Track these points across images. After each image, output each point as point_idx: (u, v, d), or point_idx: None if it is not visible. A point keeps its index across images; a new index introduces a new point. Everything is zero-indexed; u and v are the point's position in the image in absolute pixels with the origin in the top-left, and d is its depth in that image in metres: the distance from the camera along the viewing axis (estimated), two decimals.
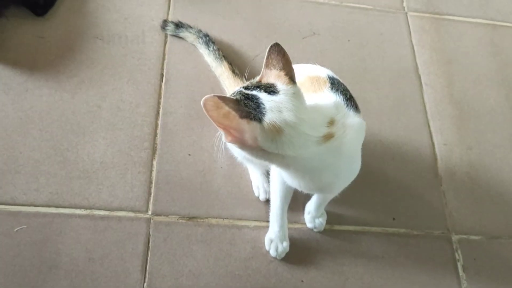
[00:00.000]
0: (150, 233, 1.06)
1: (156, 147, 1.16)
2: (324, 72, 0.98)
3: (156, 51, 1.29)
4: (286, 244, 1.07)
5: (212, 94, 0.74)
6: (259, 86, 0.80)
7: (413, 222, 1.18)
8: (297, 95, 0.79)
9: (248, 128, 0.76)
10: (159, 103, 1.22)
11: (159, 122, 1.19)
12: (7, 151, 1.09)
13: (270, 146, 0.77)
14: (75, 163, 1.11)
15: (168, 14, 1.36)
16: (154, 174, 1.13)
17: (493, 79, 1.45)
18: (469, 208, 1.22)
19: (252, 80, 0.84)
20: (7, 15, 1.24)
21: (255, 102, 0.77)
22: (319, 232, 1.12)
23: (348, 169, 0.91)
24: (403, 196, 1.21)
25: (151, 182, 1.11)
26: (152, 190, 1.11)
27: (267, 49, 0.81)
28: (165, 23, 1.31)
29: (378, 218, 1.17)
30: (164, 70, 1.27)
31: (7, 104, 1.15)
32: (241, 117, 0.75)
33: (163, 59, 1.28)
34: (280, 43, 0.82)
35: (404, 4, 1.54)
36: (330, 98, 0.90)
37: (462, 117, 1.35)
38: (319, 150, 0.80)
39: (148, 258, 1.03)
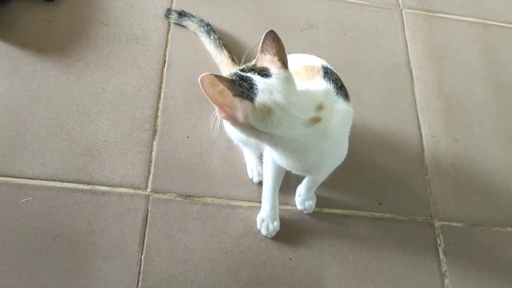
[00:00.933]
0: (149, 209, 1.12)
1: (156, 128, 1.22)
2: (318, 62, 1.03)
3: (159, 38, 1.35)
4: (276, 223, 1.13)
5: (209, 73, 0.79)
6: (253, 69, 0.85)
7: (399, 208, 1.24)
8: (288, 79, 0.85)
9: (240, 106, 0.81)
10: (160, 87, 1.28)
11: (160, 105, 1.25)
12: (15, 127, 1.15)
13: (260, 125, 0.83)
14: (79, 141, 1.17)
15: (172, 3, 1.42)
16: (154, 154, 1.19)
17: (482, 76, 1.50)
18: (452, 197, 1.28)
19: (248, 64, 0.90)
20: None
21: (249, 83, 0.83)
22: (309, 214, 1.18)
23: (333, 153, 0.97)
24: (390, 183, 1.27)
25: (150, 162, 1.18)
26: (152, 169, 1.17)
27: (263, 36, 0.87)
28: (168, 11, 1.37)
29: (365, 202, 1.23)
30: (167, 57, 1.32)
31: (16, 84, 1.21)
32: (235, 95, 0.81)
33: (166, 46, 1.34)
34: (278, 34, 0.88)
35: (400, 1, 1.60)
36: (321, 86, 0.95)
37: (450, 111, 1.41)
38: (305, 132, 0.86)
39: (146, 232, 1.10)
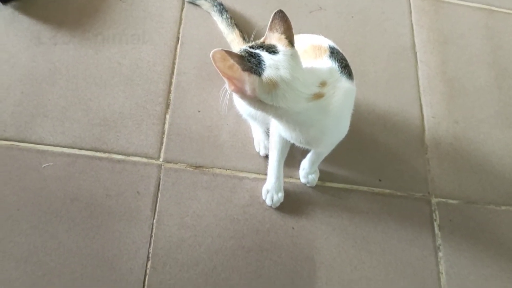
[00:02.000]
0: (161, 177, 1.19)
1: (169, 102, 1.28)
2: (326, 42, 1.09)
3: (174, 16, 1.40)
4: (281, 194, 1.20)
5: (220, 48, 0.85)
6: (262, 46, 0.91)
7: (398, 184, 1.30)
8: (294, 57, 0.91)
9: (248, 80, 0.87)
10: (174, 63, 1.34)
11: (173, 80, 1.31)
12: (37, 97, 1.22)
13: (266, 98, 0.89)
14: (96, 112, 1.23)
15: None
16: (166, 126, 1.25)
17: (485, 61, 1.55)
18: (450, 175, 1.34)
19: (257, 41, 0.95)
20: None
21: (257, 59, 0.88)
22: (312, 187, 1.25)
23: (334, 128, 1.02)
24: (391, 160, 1.33)
25: (163, 133, 1.24)
26: (164, 140, 1.23)
27: (272, 15, 0.92)
28: None
29: (366, 178, 1.29)
30: (180, 34, 1.38)
31: (38, 56, 1.27)
32: (244, 69, 0.87)
33: (180, 23, 1.40)
34: (288, 15, 0.94)
35: None
36: (327, 64, 1.01)
37: (452, 94, 1.46)
38: (308, 106, 0.92)
39: (158, 198, 1.17)
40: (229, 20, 1.35)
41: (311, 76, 0.93)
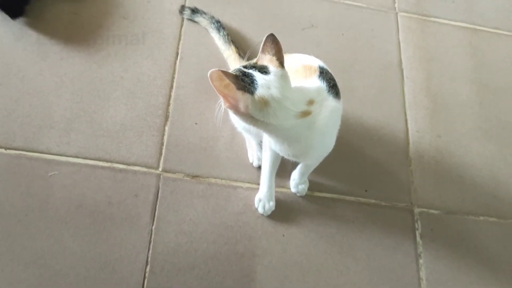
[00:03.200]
0: (160, 186, 1.27)
1: (168, 115, 1.36)
2: (316, 62, 1.16)
3: (173, 32, 1.48)
4: (272, 203, 1.28)
5: (217, 68, 0.93)
6: (255, 66, 0.99)
7: (383, 194, 1.38)
8: (284, 77, 0.99)
9: (242, 98, 0.95)
10: (173, 77, 1.41)
11: (172, 93, 1.39)
12: (44, 109, 1.30)
13: (258, 114, 0.97)
14: (100, 123, 1.31)
15: (185, 0, 1.55)
16: (165, 137, 1.33)
17: (468, 77, 1.63)
18: (431, 187, 1.42)
19: (250, 61, 1.03)
20: None
21: (250, 79, 0.96)
22: (301, 196, 1.33)
23: (319, 144, 1.10)
24: (376, 171, 1.41)
25: (162, 144, 1.32)
26: (163, 150, 1.31)
27: (264, 38, 1.01)
28: (182, 8, 1.50)
29: (352, 188, 1.37)
30: (179, 49, 1.46)
31: (45, 70, 1.35)
32: (238, 88, 0.94)
33: (179, 39, 1.48)
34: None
35: (396, 5, 1.72)
36: (315, 84, 1.09)
37: (435, 109, 1.55)
38: (296, 123, 1.00)
39: (157, 206, 1.24)
40: (226, 37, 1.43)
41: (299, 95, 1.01)
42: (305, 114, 1.00)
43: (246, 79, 0.96)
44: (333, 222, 1.32)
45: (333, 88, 1.10)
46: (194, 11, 1.49)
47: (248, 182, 1.32)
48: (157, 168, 1.29)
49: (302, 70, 1.13)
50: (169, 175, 1.29)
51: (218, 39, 1.46)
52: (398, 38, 1.66)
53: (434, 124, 1.52)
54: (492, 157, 1.50)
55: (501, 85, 1.64)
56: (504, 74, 1.67)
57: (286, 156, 1.14)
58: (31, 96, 1.31)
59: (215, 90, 0.95)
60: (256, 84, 0.96)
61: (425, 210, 1.39)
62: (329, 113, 1.04)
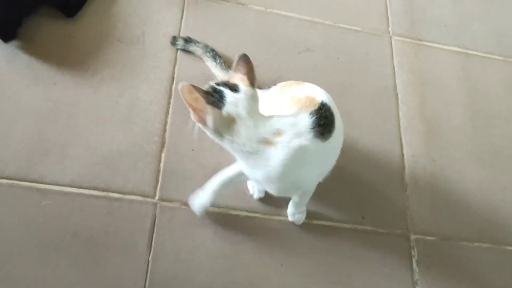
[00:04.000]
0: (156, 215, 1.25)
1: (165, 141, 1.34)
2: (321, 97, 1.12)
3: (169, 56, 1.47)
4: (208, 203, 1.23)
5: (188, 83, 0.95)
6: (226, 84, 1.02)
7: (379, 221, 1.38)
8: (253, 97, 1.01)
9: (211, 112, 0.98)
10: (169, 102, 1.40)
11: (169, 119, 1.37)
12: (38, 135, 1.27)
13: (223, 130, 1.00)
14: (95, 150, 1.28)
15: (181, 22, 1.53)
16: (162, 164, 1.31)
17: (461, 101, 1.65)
18: (427, 212, 1.43)
19: (222, 79, 1.06)
20: (40, 13, 1.40)
21: (220, 95, 0.99)
22: (299, 225, 1.32)
23: (279, 179, 1.06)
24: (373, 197, 1.41)
25: (159, 172, 1.30)
26: (160, 178, 1.29)
27: (236, 57, 1.04)
28: (174, 39, 1.47)
29: (349, 215, 1.37)
30: (175, 73, 1.44)
31: (38, 94, 1.32)
32: (207, 103, 0.97)
33: (175, 63, 1.46)
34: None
35: (390, 29, 1.74)
36: (299, 117, 1.05)
37: (430, 133, 1.56)
38: (259, 148, 1.00)
39: (154, 235, 1.22)
40: (223, 64, 1.42)
41: (268, 121, 1.01)
42: (268, 142, 1.00)
43: (216, 95, 0.99)
44: (331, 250, 1.31)
45: (321, 127, 1.05)
46: (187, 40, 1.46)
47: (246, 211, 1.31)
48: (154, 196, 1.27)
49: (304, 100, 1.12)
50: (166, 203, 1.27)
51: (214, 67, 1.44)
52: (393, 62, 1.67)
53: (429, 149, 1.53)
54: (485, 182, 1.52)
55: (494, 110, 1.66)
56: (496, 99, 1.69)
57: (251, 179, 1.14)
58: (24, 121, 1.28)
59: (185, 103, 0.98)
60: (225, 100, 0.99)
61: (421, 236, 1.39)
62: (292, 150, 1.01)
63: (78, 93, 1.34)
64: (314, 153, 1.04)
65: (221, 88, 1.00)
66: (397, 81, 1.63)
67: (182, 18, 1.55)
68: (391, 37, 1.72)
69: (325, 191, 1.31)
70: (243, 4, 1.64)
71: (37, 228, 1.17)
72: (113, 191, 1.25)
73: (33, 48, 1.37)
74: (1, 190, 1.19)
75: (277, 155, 1.01)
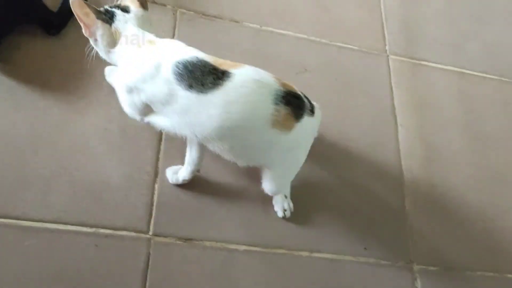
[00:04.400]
0: (150, 252, 1.16)
1: (158, 170, 1.26)
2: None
3: None
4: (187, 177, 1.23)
5: None
6: (118, 6, 1.09)
7: (382, 252, 1.33)
8: (143, 17, 1.09)
9: (100, 27, 1.06)
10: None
11: (162, 147, 1.29)
12: (19, 167, 1.16)
13: (110, 43, 1.07)
14: (82, 182, 1.19)
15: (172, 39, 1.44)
16: (155, 196, 1.22)
17: (459, 123, 1.62)
18: (429, 242, 1.39)
19: (116, 2, 1.11)
20: (19, 32, 1.29)
21: (111, 14, 1.07)
22: (300, 257, 1.26)
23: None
24: (374, 227, 1.36)
25: (152, 204, 1.21)
26: (153, 211, 1.20)
27: None
28: None
29: (351, 247, 1.31)
30: None
31: (19, 122, 1.21)
32: (97, 18, 1.05)
33: None
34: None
35: (387, 47, 1.69)
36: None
37: (430, 158, 1.52)
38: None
39: (148, 275, 1.14)
40: None
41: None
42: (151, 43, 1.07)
43: (107, 13, 1.07)
44: (335, 284, 1.25)
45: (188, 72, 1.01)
46: None
47: (246, 245, 1.23)
48: (147, 232, 1.18)
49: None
50: (160, 239, 1.18)
51: None
52: (390, 83, 1.62)
53: (429, 174, 1.49)
54: (484, 208, 1.49)
55: (491, 132, 1.63)
56: (493, 120, 1.66)
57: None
58: (3, 153, 1.17)
59: (77, 18, 1.05)
60: (115, 18, 1.07)
61: (424, 267, 1.35)
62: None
63: (63, 120, 1.24)
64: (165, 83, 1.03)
65: (113, 9, 1.08)
66: (395, 103, 1.59)
67: (173, 35, 1.46)
68: (388, 56, 1.67)
69: (326, 221, 1.26)
70: (237, 22, 1.56)
71: (20, 271, 1.07)
72: (102, 227, 1.16)
73: (13, 70, 1.26)
74: None
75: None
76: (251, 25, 1.57)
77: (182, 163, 1.27)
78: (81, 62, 1.31)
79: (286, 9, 1.64)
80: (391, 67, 1.65)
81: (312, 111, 1.09)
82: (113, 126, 1.27)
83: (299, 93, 1.08)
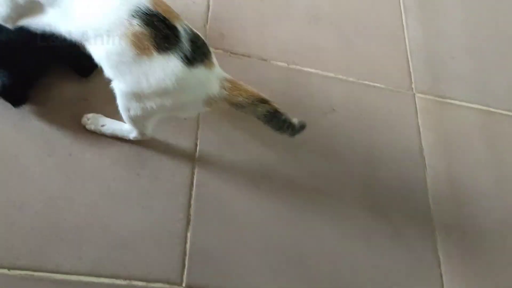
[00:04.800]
0: None
1: (190, 217, 1.24)
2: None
3: (189, 121, 1.36)
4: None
5: None
6: None
7: None
8: None
9: None
10: (193, 173, 1.29)
11: (193, 192, 1.27)
12: (51, 217, 1.14)
13: None
14: (115, 232, 1.17)
15: None
16: (188, 245, 1.20)
17: (486, 164, 1.60)
18: None
19: None
20: (51, 74, 1.27)
21: None
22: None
23: None
24: (407, 278, 1.34)
25: (185, 254, 1.19)
26: (186, 261, 1.18)
27: None
28: None
29: None
30: (198, 140, 1.34)
31: (52, 168, 1.19)
32: None
33: (197, 128, 1.35)
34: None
35: (413, 85, 1.68)
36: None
37: (460, 201, 1.50)
38: None
39: None
40: None
41: None
42: None
43: None
44: None
45: None
46: None
47: None
48: (181, 283, 1.16)
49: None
50: None
51: None
52: (417, 122, 1.61)
53: (460, 219, 1.47)
54: None
55: None
56: None
57: None
58: (36, 200, 1.15)
59: None
60: None
61: None
62: None
63: (95, 166, 1.22)
64: None
65: None
66: (423, 143, 1.57)
67: None
68: (414, 94, 1.66)
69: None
70: (265, 60, 1.55)
71: None
72: (136, 279, 1.14)
73: (45, 113, 1.24)
74: (13, 283, 1.06)
75: None
76: (278, 63, 1.56)
77: (216, 207, 1.25)
78: (112, 105, 1.31)
79: (312, 48, 1.63)
80: (417, 105, 1.64)
81: (196, 60, 1.01)
82: (145, 172, 1.25)
83: (183, 27, 1.00)
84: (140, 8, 0.96)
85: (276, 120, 1.11)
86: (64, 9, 1.01)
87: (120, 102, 1.10)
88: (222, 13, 1.56)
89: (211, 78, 1.07)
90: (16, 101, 1.21)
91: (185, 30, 1.01)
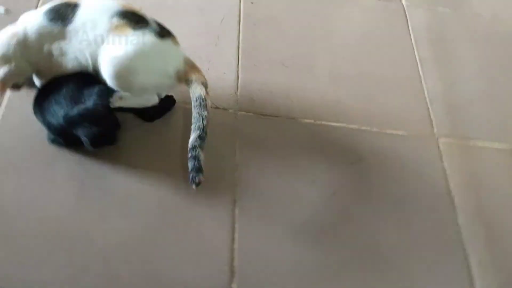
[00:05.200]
0: None
1: (234, 270, 1.32)
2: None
3: (228, 177, 1.48)
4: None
5: None
6: None
7: None
8: None
9: None
10: (233, 228, 1.39)
11: (235, 246, 1.36)
12: (108, 278, 1.25)
13: None
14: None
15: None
16: None
17: None
18: None
19: None
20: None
21: None
22: None
23: None
24: None
25: None
26: None
27: None
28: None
29: None
30: (237, 195, 1.45)
31: (107, 231, 1.32)
32: None
33: (235, 185, 1.47)
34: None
35: (435, 131, 1.77)
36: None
37: (492, 239, 1.54)
38: None
39: None
40: None
41: None
42: None
43: None
44: None
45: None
46: None
47: None
48: None
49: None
50: None
51: None
52: (443, 165, 1.68)
53: (494, 257, 1.50)
54: None
55: None
56: None
57: None
58: (96, 265, 1.27)
59: None
60: None
61: None
62: None
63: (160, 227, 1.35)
64: None
65: None
66: (450, 185, 1.64)
67: (235, 142, 1.58)
68: (437, 139, 1.74)
69: None
70: (293, 118, 1.68)
71: None
72: None
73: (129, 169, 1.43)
74: None
75: None
76: (305, 120, 1.69)
77: (259, 258, 1.33)
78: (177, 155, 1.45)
79: (336, 103, 1.76)
80: (441, 149, 1.72)
81: (164, 35, 1.33)
82: (192, 224, 1.37)
83: (141, 13, 1.33)
84: (115, 10, 1.30)
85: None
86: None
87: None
88: (251, 80, 1.72)
89: (179, 53, 1.38)
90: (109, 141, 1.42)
91: (151, 18, 1.34)
